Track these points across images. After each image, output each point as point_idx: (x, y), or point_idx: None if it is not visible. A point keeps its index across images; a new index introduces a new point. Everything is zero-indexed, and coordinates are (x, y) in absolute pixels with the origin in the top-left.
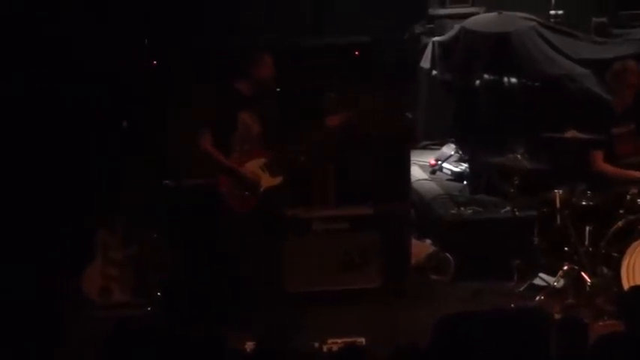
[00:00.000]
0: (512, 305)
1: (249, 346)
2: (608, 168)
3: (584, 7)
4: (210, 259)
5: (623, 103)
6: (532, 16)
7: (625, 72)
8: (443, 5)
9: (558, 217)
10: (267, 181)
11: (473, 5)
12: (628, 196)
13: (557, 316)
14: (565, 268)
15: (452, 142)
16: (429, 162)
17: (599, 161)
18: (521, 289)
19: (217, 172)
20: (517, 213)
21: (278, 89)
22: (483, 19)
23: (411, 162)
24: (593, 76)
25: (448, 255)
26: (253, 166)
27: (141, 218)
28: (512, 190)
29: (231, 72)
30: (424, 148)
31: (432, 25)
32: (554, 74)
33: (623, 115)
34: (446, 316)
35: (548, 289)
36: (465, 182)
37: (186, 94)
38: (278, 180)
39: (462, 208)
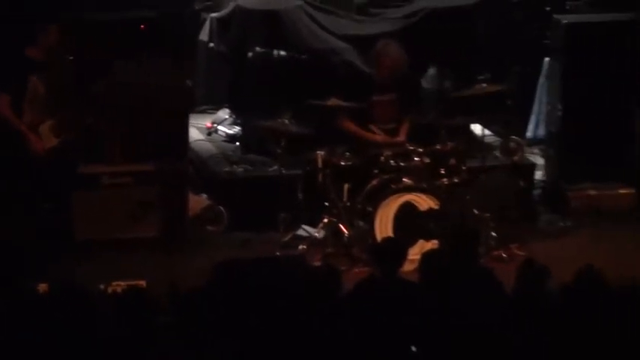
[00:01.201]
0: (278, 253)
1: (43, 287)
2: (351, 127)
3: None
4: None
5: (383, 75)
6: None
7: (384, 52)
8: None
9: (320, 175)
10: (50, 141)
11: None
12: (382, 158)
13: (317, 264)
14: (325, 220)
15: (227, 107)
16: (205, 125)
17: (351, 125)
18: (286, 239)
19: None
20: (283, 171)
21: (71, 57)
22: None
23: (190, 124)
24: (354, 50)
25: (222, 208)
26: (45, 128)
27: None
28: (279, 151)
29: (23, 39)
30: (202, 112)
31: (210, 3)
32: (319, 48)
33: (383, 86)
34: (220, 262)
35: (310, 240)
36: (237, 143)
37: None
38: (58, 140)
39: (235, 167)
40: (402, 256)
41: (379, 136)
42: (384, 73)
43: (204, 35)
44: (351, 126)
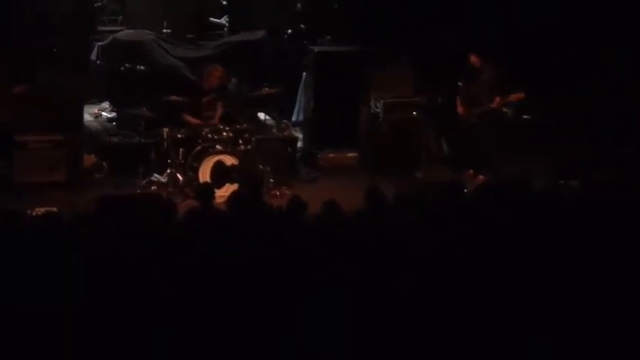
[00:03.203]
0: (138, 191)
1: None
2: (191, 120)
3: (182, 28)
4: None
5: (210, 84)
6: (152, 32)
7: (211, 70)
8: (104, 24)
9: (165, 143)
10: None
11: (121, 25)
12: (203, 133)
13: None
14: (168, 171)
15: (108, 100)
16: (94, 111)
17: (186, 116)
18: (144, 183)
19: None
20: (142, 140)
21: None
22: (127, 33)
23: (84, 111)
24: (185, 67)
25: (104, 163)
26: None
27: None
28: (140, 128)
29: None
30: (93, 103)
31: (99, 35)
32: (165, 65)
33: (208, 91)
34: (103, 196)
35: (158, 183)
36: (114, 123)
37: None
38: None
39: (112, 137)
40: (212, 194)
41: (202, 123)
42: (211, 83)
43: (94, 55)
44: (187, 117)
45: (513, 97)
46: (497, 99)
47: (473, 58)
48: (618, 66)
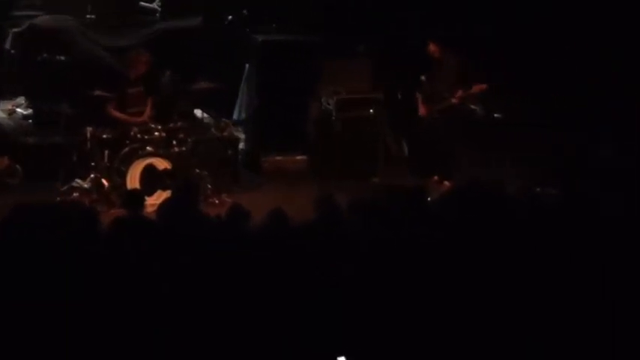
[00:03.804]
0: (58, 199)
1: None
2: (116, 114)
3: (108, 14)
4: None
5: (135, 73)
6: (74, 18)
7: (137, 58)
8: (19, 9)
9: (88, 144)
10: None
11: (40, 10)
12: (132, 132)
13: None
14: (92, 176)
15: (23, 95)
16: (7, 108)
17: (111, 109)
18: (64, 189)
19: None
20: (63, 141)
21: None
22: (46, 19)
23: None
24: (111, 57)
25: (18, 166)
26: None
27: None
28: (60, 127)
29: None
30: (6, 98)
31: (13, 21)
32: (89, 55)
33: (135, 82)
34: (15, 206)
35: (81, 189)
36: (30, 121)
37: None
38: None
39: (28, 137)
40: (142, 202)
41: (130, 118)
42: (138, 70)
43: (7, 44)
44: (112, 111)
45: (475, 89)
46: (460, 92)
47: (432, 48)
48: (600, 65)
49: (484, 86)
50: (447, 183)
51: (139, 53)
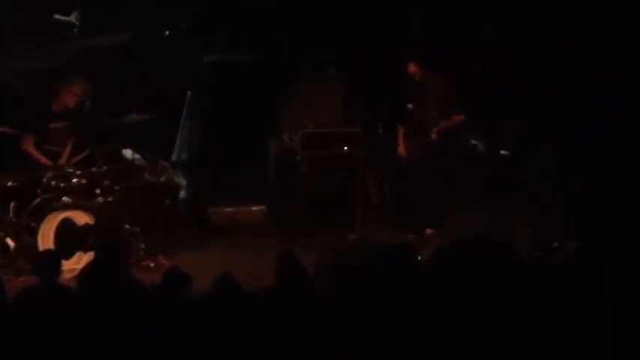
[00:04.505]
0: None
1: None
2: (31, 150)
3: (15, 29)
4: None
5: (60, 104)
6: None
7: (63, 87)
8: None
9: None
10: None
11: None
12: (45, 179)
13: None
14: None
15: None
16: None
17: (28, 144)
18: None
19: None
20: None
21: None
22: None
23: None
24: (21, 82)
25: None
26: None
27: None
28: None
29: None
30: None
31: None
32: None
33: (60, 115)
34: None
35: None
36: None
37: None
38: None
39: None
40: (58, 266)
41: (45, 160)
42: (66, 102)
43: None
44: (30, 147)
45: (451, 121)
46: (442, 123)
47: (412, 68)
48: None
49: (461, 117)
50: (434, 237)
51: (74, 80)
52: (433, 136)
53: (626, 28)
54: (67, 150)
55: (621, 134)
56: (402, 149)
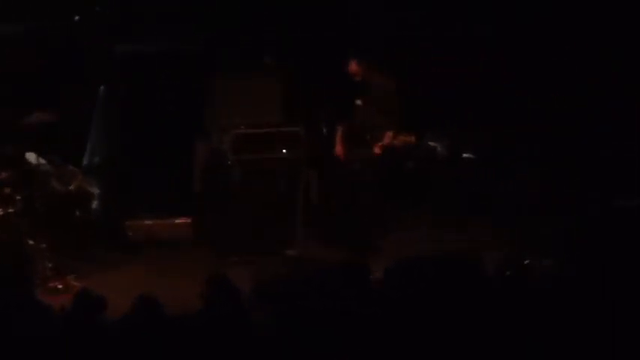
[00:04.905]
0: None
1: None
2: None
3: None
4: None
5: None
6: None
7: None
8: None
9: None
10: None
11: None
12: None
13: None
14: None
15: None
16: None
17: None
18: None
19: None
20: None
21: None
22: None
23: None
24: None
25: None
26: None
27: None
28: None
29: None
30: None
31: None
32: None
33: None
34: None
35: None
36: None
37: None
38: None
39: None
40: None
41: None
42: None
43: None
44: None
45: (398, 141)
46: (388, 136)
47: (353, 67)
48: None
49: (412, 139)
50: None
51: None
52: (376, 150)
53: (626, 28)
54: None
55: (621, 134)
56: (339, 149)
